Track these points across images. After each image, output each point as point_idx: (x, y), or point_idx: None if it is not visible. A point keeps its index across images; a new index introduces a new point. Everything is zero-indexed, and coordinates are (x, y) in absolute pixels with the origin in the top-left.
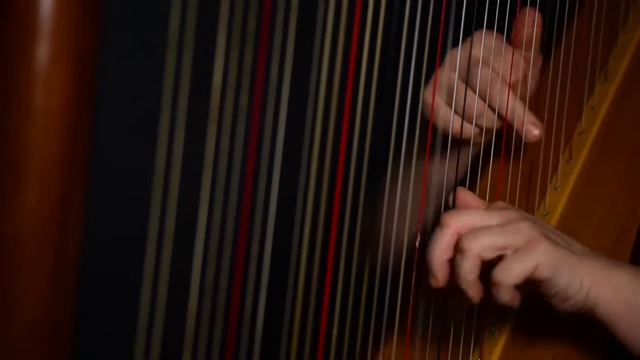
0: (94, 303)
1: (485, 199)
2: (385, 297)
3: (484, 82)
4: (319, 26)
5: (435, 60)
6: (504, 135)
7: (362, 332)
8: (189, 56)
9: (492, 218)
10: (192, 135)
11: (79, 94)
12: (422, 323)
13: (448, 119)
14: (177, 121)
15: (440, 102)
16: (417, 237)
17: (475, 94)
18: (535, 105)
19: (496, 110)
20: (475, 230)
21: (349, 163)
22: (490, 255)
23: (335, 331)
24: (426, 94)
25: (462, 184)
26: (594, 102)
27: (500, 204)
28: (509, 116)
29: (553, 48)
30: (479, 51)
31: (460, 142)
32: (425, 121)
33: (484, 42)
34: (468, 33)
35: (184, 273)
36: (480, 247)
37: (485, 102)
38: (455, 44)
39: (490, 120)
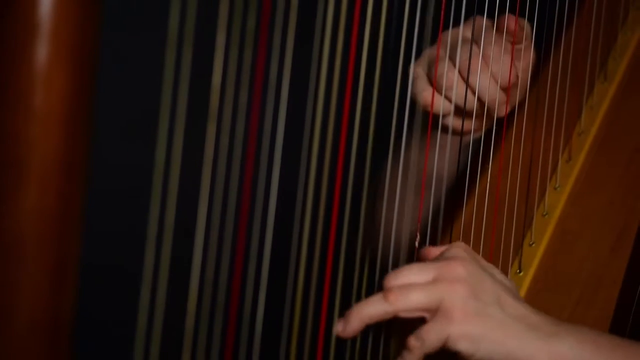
0: (93, 301)
1: (484, 200)
2: None
3: (464, 58)
4: (318, 25)
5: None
6: (504, 135)
7: (362, 331)
8: (189, 55)
9: (427, 274)
10: (192, 134)
11: (79, 93)
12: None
13: (422, 90)
14: (177, 120)
15: (420, 73)
16: (416, 236)
17: (454, 68)
18: (535, 105)
19: (473, 87)
20: (401, 290)
21: (348, 161)
22: (408, 315)
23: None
24: (411, 67)
25: (462, 181)
26: (594, 102)
27: (454, 250)
28: (479, 91)
29: (553, 48)
30: (469, 32)
31: (439, 123)
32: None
33: (475, 24)
34: None
35: (183, 271)
36: (402, 307)
37: (462, 77)
38: None
39: (460, 97)
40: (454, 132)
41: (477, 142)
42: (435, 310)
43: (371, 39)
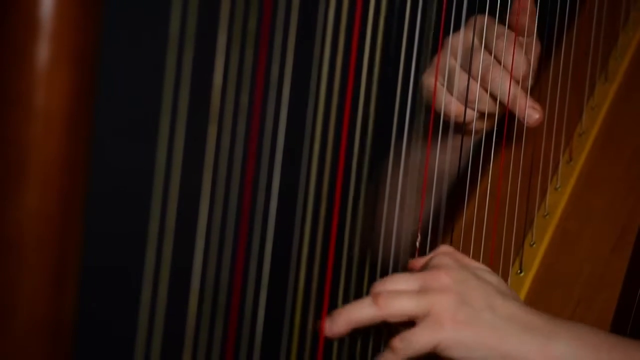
0: (95, 302)
1: (485, 200)
2: None
3: (483, 67)
4: (319, 25)
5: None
6: (505, 136)
7: (363, 333)
8: (190, 56)
9: (413, 283)
10: (193, 135)
11: (80, 93)
12: None
13: (447, 103)
14: (178, 120)
15: (438, 86)
16: (417, 236)
17: (474, 79)
18: None
19: (497, 96)
20: (389, 295)
21: (349, 162)
22: (398, 320)
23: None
24: (425, 78)
25: (463, 179)
26: (595, 102)
27: (438, 259)
28: (508, 101)
29: (554, 48)
30: (477, 36)
31: (463, 130)
32: (426, 109)
33: (485, 28)
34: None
35: (184, 272)
36: (391, 311)
37: (484, 87)
38: None
39: (490, 106)
40: (470, 133)
41: (478, 142)
42: (423, 317)
43: (372, 38)
